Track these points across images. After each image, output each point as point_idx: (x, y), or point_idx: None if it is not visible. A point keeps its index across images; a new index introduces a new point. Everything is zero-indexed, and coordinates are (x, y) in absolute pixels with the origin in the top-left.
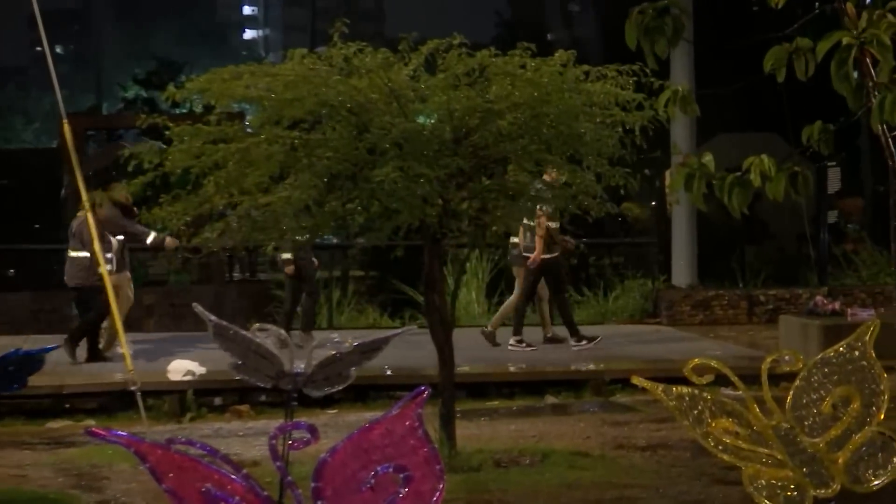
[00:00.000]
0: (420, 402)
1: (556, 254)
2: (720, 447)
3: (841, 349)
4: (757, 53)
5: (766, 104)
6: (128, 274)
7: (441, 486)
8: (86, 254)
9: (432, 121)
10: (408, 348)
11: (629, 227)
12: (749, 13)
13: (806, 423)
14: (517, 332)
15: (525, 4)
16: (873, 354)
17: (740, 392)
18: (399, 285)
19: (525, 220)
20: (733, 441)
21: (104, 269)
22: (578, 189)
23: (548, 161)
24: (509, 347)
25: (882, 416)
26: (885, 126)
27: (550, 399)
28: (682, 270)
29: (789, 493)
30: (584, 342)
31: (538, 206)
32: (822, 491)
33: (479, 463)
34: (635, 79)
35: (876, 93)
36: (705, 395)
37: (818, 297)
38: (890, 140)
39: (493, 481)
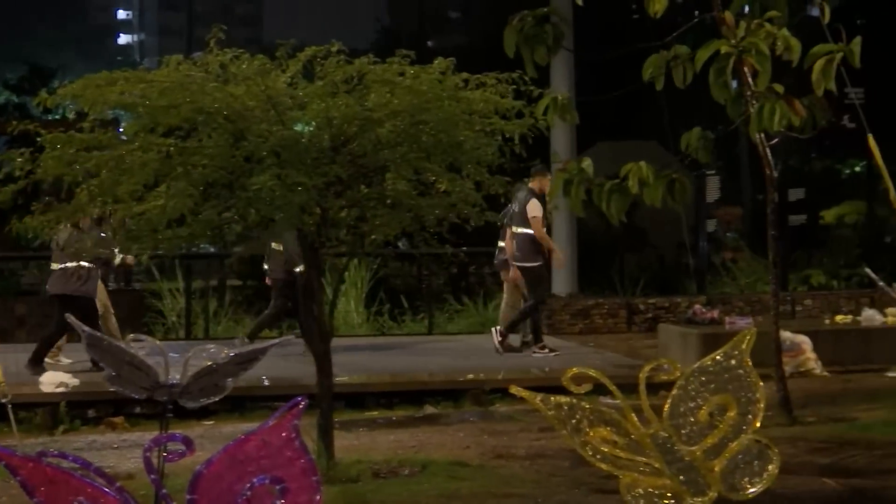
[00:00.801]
0: (297, 413)
1: (540, 262)
2: (598, 456)
3: (717, 357)
4: (638, 62)
5: (646, 112)
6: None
7: (318, 497)
8: (71, 263)
9: (310, 128)
10: (286, 358)
11: None
12: (630, 22)
13: (683, 431)
14: (538, 339)
15: (405, 11)
16: (749, 363)
17: (619, 401)
18: None
19: (514, 228)
20: (611, 450)
21: None
22: (458, 197)
23: (427, 169)
24: (534, 355)
25: (758, 424)
26: (762, 135)
27: (430, 409)
28: (561, 279)
29: (666, 502)
30: (546, 350)
31: (528, 212)
32: (699, 499)
33: (357, 474)
34: (515, 87)
35: (754, 102)
36: (583, 404)
37: (696, 306)
38: (768, 149)
39: (371, 492)
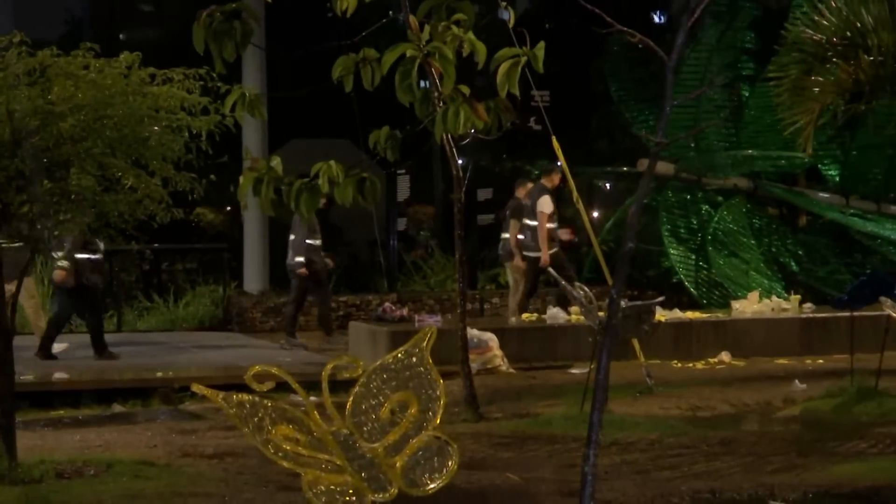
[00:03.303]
0: None
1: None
2: (280, 454)
3: (399, 355)
4: (332, 61)
5: (341, 110)
6: None
7: None
8: (87, 256)
9: None
10: None
11: (202, 232)
12: (325, 20)
13: (365, 428)
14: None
15: (97, 3)
16: (430, 360)
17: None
18: None
19: (525, 220)
20: (293, 448)
21: None
22: (143, 194)
23: (112, 165)
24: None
25: (438, 421)
26: (448, 136)
27: (118, 408)
28: (253, 276)
29: (347, 498)
30: None
31: (538, 207)
32: (380, 495)
33: (40, 475)
34: (202, 83)
35: (441, 103)
36: (266, 402)
37: (386, 304)
38: (454, 150)
39: (54, 493)
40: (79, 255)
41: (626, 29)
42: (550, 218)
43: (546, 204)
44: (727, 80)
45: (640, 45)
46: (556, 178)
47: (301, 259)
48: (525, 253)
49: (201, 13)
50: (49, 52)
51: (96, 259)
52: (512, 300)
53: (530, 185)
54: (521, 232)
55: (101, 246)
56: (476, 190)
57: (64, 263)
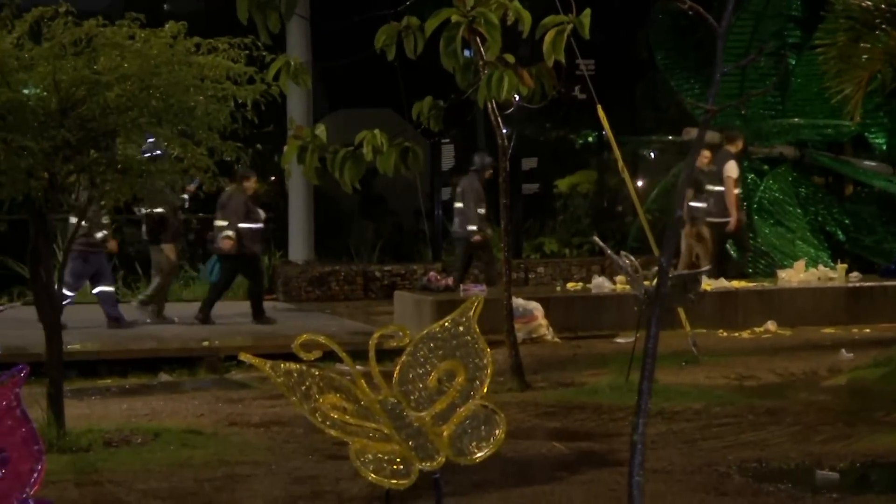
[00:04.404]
0: (18, 382)
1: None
2: (328, 422)
3: (446, 324)
4: (376, 30)
5: (386, 80)
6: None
7: (40, 466)
8: (249, 225)
9: (38, 91)
10: (17, 326)
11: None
12: None
13: (412, 397)
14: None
15: None
16: (477, 329)
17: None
18: (6, 260)
19: (709, 186)
20: (341, 416)
21: None
22: (189, 163)
23: (158, 134)
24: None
25: (485, 390)
26: (493, 103)
27: (164, 377)
28: (298, 246)
29: (395, 467)
30: None
31: (726, 172)
32: (428, 464)
33: (88, 443)
34: (247, 52)
35: (485, 70)
36: (313, 370)
37: (432, 273)
38: (499, 117)
39: (102, 461)
40: (241, 225)
41: None
42: (736, 183)
43: (733, 169)
44: (774, 48)
45: (689, 13)
46: (740, 144)
47: (474, 227)
48: (709, 219)
49: None
50: (95, 22)
51: (257, 228)
52: (681, 264)
53: (708, 152)
54: (696, 199)
55: (262, 215)
56: (521, 159)
57: (230, 233)
